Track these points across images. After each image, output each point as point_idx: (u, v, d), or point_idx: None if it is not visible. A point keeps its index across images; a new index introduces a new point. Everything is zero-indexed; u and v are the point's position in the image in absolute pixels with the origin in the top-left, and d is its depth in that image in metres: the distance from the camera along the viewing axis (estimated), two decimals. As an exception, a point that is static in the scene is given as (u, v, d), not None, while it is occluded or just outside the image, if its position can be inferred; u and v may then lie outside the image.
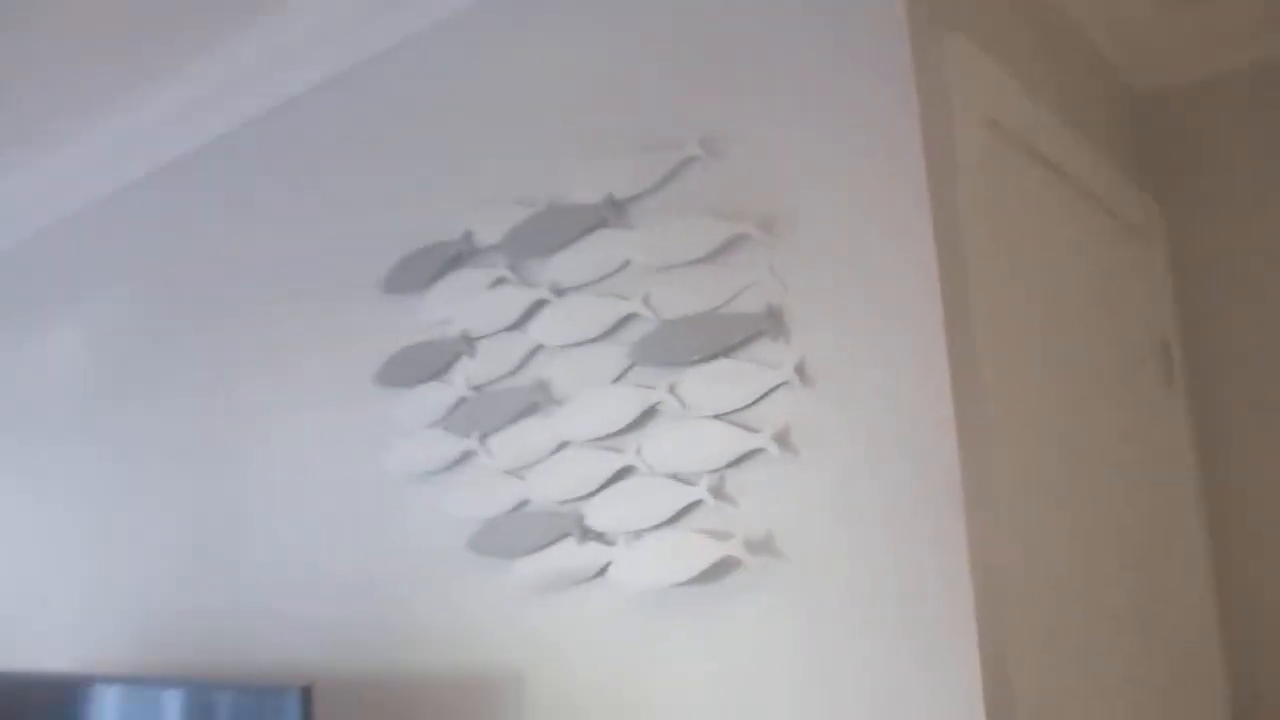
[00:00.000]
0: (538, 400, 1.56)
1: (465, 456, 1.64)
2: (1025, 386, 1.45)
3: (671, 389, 1.43)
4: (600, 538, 1.48)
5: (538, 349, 1.58)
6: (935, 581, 1.21)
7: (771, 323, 1.35)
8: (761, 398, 1.36)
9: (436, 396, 1.68)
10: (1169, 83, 2.11)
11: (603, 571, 1.47)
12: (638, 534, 1.44)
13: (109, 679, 1.66)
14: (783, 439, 1.34)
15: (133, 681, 1.64)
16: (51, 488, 2.42)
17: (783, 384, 1.34)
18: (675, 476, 1.42)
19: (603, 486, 1.48)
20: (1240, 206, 2.00)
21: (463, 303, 1.66)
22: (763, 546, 1.34)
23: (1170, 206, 2.11)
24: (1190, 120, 2.09)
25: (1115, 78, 2.08)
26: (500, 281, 1.63)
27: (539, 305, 1.58)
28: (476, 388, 1.64)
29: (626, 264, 1.50)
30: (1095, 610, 1.54)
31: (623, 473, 1.47)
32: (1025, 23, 1.70)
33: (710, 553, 1.36)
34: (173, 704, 1.57)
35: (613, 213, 1.51)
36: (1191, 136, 2.09)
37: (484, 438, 1.62)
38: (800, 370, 1.33)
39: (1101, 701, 1.49)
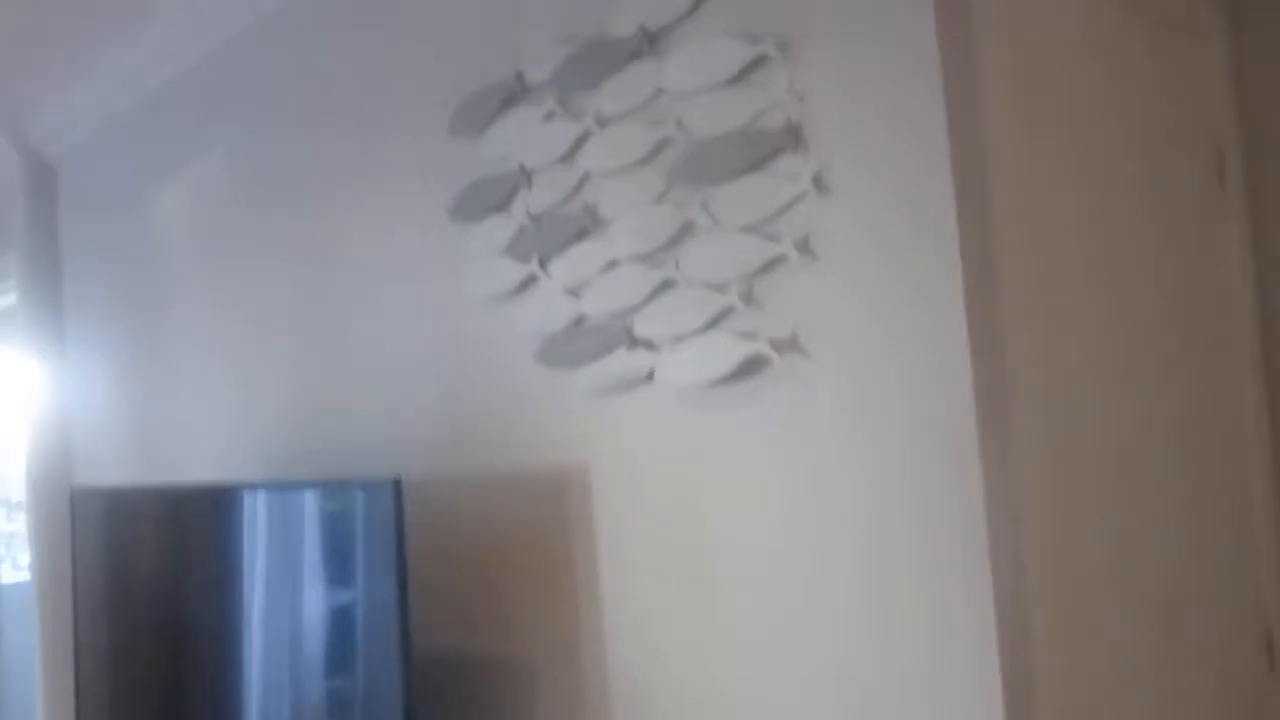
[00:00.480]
0: (588, 224, 1.63)
1: (529, 280, 1.73)
2: (1044, 188, 1.46)
3: (704, 206, 1.48)
4: (647, 345, 1.56)
5: (586, 177, 1.64)
6: (943, 372, 1.27)
7: (790, 138, 1.39)
8: (784, 209, 1.41)
9: (501, 226, 1.77)
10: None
11: (650, 375, 1.56)
12: (678, 339, 1.51)
13: (249, 485, 1.88)
14: (802, 246, 1.39)
15: (264, 486, 1.87)
16: (182, 332, 2.66)
17: (802, 195, 1.39)
18: (709, 286, 1.48)
19: (647, 299, 1.55)
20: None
21: (519, 139, 1.72)
22: (787, 345, 1.41)
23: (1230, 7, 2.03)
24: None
25: None
26: (550, 116, 1.68)
27: (585, 136, 1.63)
28: (535, 217, 1.71)
29: (660, 92, 1.54)
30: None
31: (664, 286, 1.54)
32: None
33: (741, 352, 1.44)
34: (293, 500, 1.79)
35: (646, 43, 1.55)
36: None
37: (544, 262, 1.70)
38: (817, 181, 1.37)
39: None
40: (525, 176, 1.73)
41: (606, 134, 1.61)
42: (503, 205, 1.77)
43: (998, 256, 1.35)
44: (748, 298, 1.45)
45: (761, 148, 1.42)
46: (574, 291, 1.67)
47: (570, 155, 1.66)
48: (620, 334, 1.59)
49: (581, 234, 1.65)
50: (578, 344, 1.65)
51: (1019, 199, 1.40)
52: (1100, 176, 1.58)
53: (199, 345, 2.57)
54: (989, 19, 1.38)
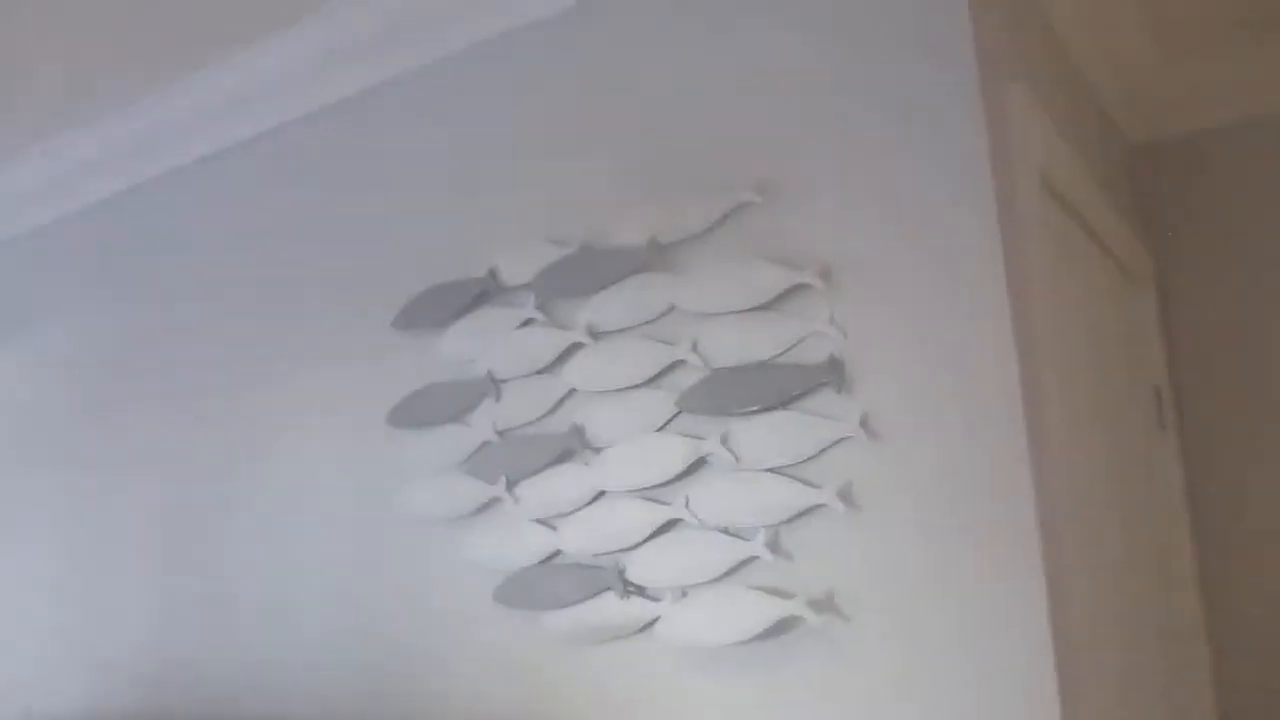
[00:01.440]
0: (573, 446, 1.51)
1: (490, 503, 1.59)
2: (1079, 444, 1.44)
3: (723, 440, 1.39)
4: (643, 592, 1.44)
5: (571, 393, 1.54)
6: (1011, 652, 1.18)
7: (833, 374, 1.33)
8: (822, 451, 1.33)
9: (457, 439, 1.63)
10: (1163, 136, 2.16)
11: (648, 627, 1.43)
12: (685, 590, 1.40)
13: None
14: (846, 495, 1.31)
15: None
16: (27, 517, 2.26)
17: (845, 438, 1.32)
18: (727, 530, 1.38)
19: (647, 539, 1.44)
20: (1229, 258, 2.05)
21: (488, 342, 1.62)
22: (825, 606, 1.31)
23: (1161, 257, 2.16)
24: (1182, 173, 2.13)
25: (1115, 130, 2.11)
26: (529, 322, 1.59)
27: (574, 348, 1.54)
28: (502, 432, 1.60)
29: (671, 309, 1.47)
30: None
31: (668, 525, 1.43)
32: (1055, 73, 1.71)
33: (770, 611, 1.32)
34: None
35: (656, 256, 1.48)
36: (1183, 189, 2.13)
37: (511, 484, 1.57)
38: (865, 424, 1.31)
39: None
40: (493, 385, 1.60)
41: (602, 348, 1.51)
42: (461, 414, 1.64)
43: (1060, 506, 1.27)
44: (775, 547, 1.35)
45: (797, 382, 1.35)
46: (547, 522, 1.54)
47: (554, 366, 1.56)
48: (609, 576, 1.45)
49: (563, 456, 1.53)
50: (551, 583, 1.51)
51: (1066, 453, 1.34)
52: (1082, 414, 1.57)
53: (26, 560, 2.20)
54: (1034, 262, 1.34)
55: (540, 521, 1.54)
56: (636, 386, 1.47)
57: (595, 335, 1.52)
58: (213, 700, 1.84)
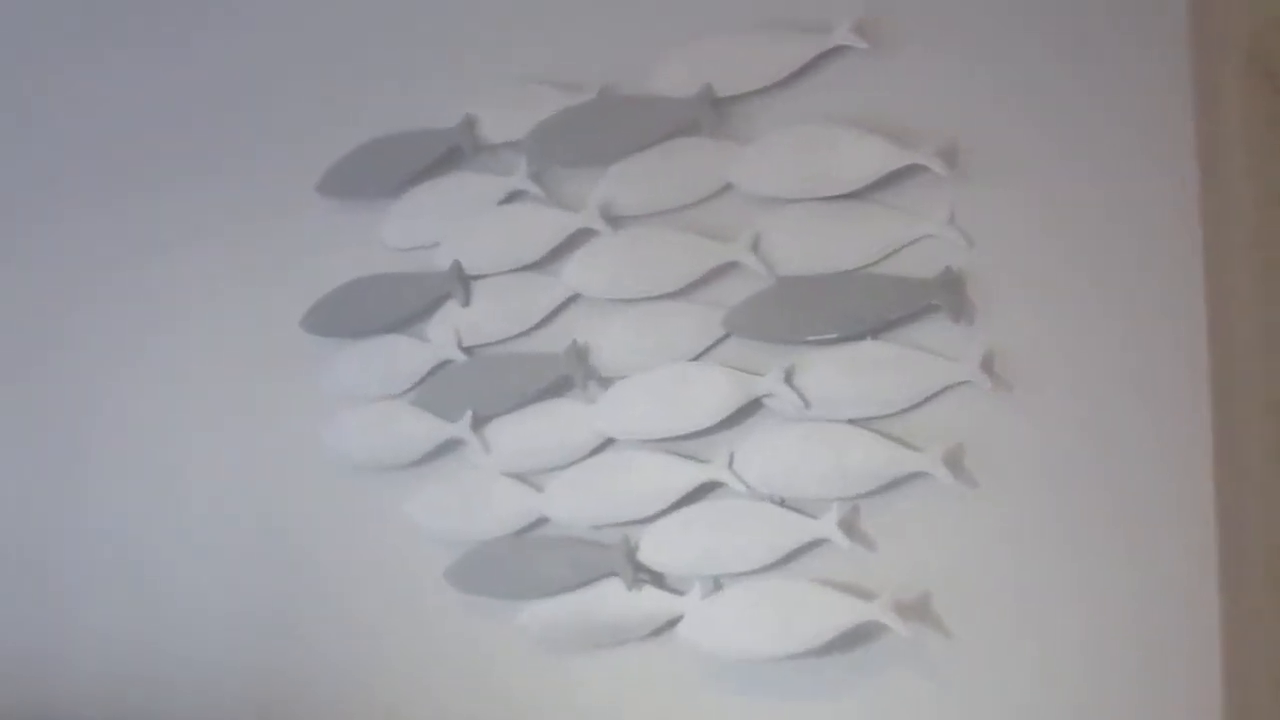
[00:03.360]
0: (570, 375, 1.46)
1: (448, 448, 1.56)
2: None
3: (787, 377, 1.32)
4: (660, 581, 1.41)
5: (573, 300, 1.49)
6: (1172, 682, 1.15)
7: (949, 294, 1.26)
8: (926, 401, 1.27)
9: (404, 355, 1.60)
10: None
11: (665, 629, 1.39)
12: (719, 580, 1.37)
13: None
14: (955, 462, 1.25)
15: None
16: None
17: (960, 384, 1.26)
18: (784, 502, 1.34)
19: (670, 508, 1.39)
20: None
21: (455, 221, 1.57)
22: (918, 612, 1.26)
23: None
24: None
25: None
26: (518, 196, 1.53)
27: (580, 237, 1.47)
28: (470, 349, 1.56)
29: (724, 189, 1.39)
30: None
31: (702, 491, 1.38)
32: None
33: (840, 615, 1.27)
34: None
35: (708, 113, 1.39)
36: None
37: (479, 423, 1.53)
38: (989, 366, 1.24)
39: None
40: (460, 282, 1.55)
41: (621, 239, 1.46)
42: (410, 321, 1.61)
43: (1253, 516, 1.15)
44: (852, 528, 1.30)
45: (896, 302, 1.29)
46: (529, 478, 1.50)
47: (549, 262, 1.50)
48: (613, 557, 1.41)
49: (556, 389, 1.48)
50: (530, 564, 1.49)
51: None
52: None
53: None
54: (1238, 153, 1.21)
55: (518, 477, 1.51)
56: (667, 296, 1.42)
57: (612, 220, 1.46)
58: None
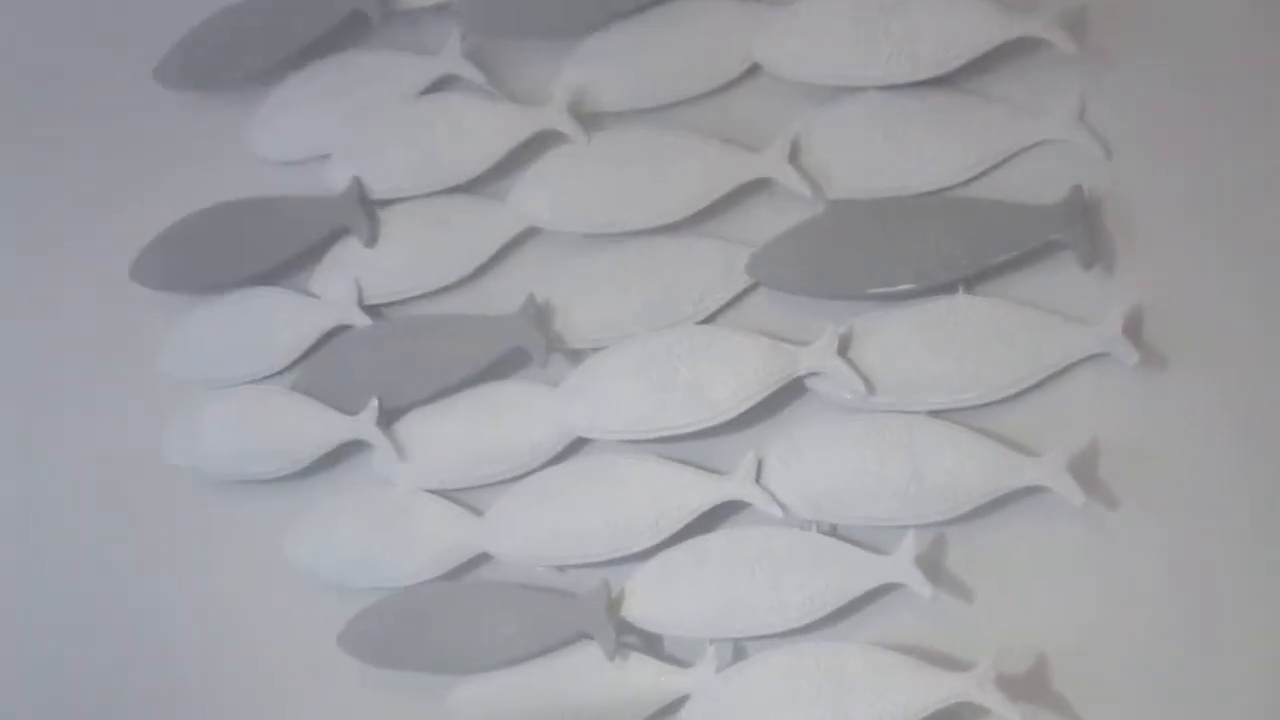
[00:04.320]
0: (525, 345, 1.47)
1: (344, 452, 1.58)
2: None
3: (842, 346, 1.33)
4: (655, 645, 1.42)
5: (529, 236, 1.51)
6: None
7: (1078, 227, 1.26)
8: (1045, 381, 1.29)
9: (281, 318, 1.62)
10: None
11: (664, 717, 1.41)
12: (742, 643, 1.38)
13: None
14: (1086, 471, 1.26)
15: None
16: None
17: (1094, 356, 1.27)
18: (838, 531, 1.35)
19: (670, 540, 1.40)
20: None
21: (356, 122, 1.58)
22: (1029, 689, 1.28)
23: None
24: None
25: None
26: (447, 84, 1.55)
27: (540, 142, 1.49)
28: (377, 308, 1.58)
29: (753, 72, 1.40)
30: None
31: (718, 514, 1.39)
32: None
33: (920, 692, 1.28)
34: None
35: None
36: None
37: (391, 417, 1.55)
38: (1134, 331, 1.25)
39: None
40: (362, 210, 1.56)
41: (600, 148, 1.46)
42: (290, 268, 1.62)
43: None
44: (937, 569, 1.31)
45: (1000, 237, 1.30)
46: (460, 497, 1.51)
47: (495, 181, 1.51)
48: (587, 610, 1.41)
49: (506, 367, 1.50)
50: (466, 621, 1.49)
51: None
52: None
53: None
54: None
55: (447, 495, 1.52)
56: (667, 230, 1.43)
57: (586, 119, 1.47)
58: None
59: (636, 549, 1.40)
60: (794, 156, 1.35)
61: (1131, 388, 1.26)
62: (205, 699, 1.66)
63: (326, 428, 1.56)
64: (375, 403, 1.52)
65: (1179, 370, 1.25)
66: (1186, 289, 1.26)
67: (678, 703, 1.39)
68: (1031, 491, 1.26)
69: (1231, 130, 1.26)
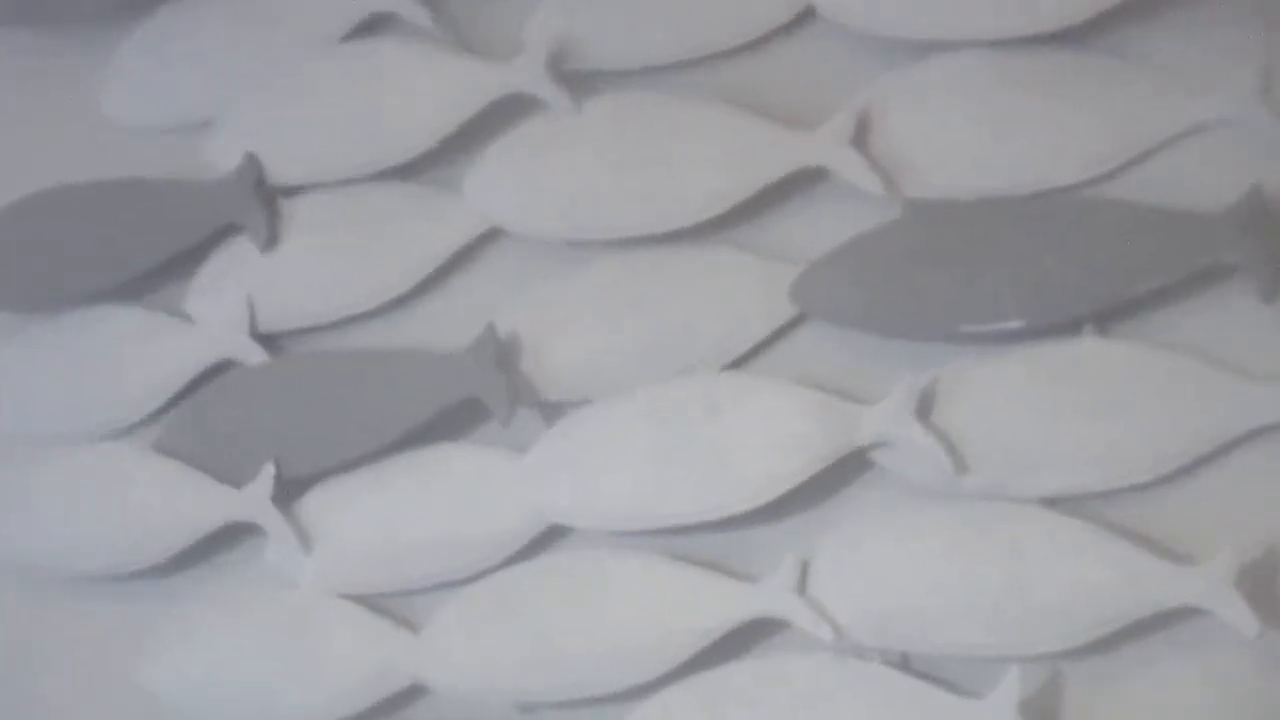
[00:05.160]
0: (482, 394, 1.46)
1: (227, 537, 1.57)
2: None
3: (921, 406, 1.32)
4: None
5: (489, 240, 1.52)
6: None
7: (1256, 243, 1.25)
8: (1206, 460, 1.27)
9: (143, 350, 1.61)
10: None
11: None
12: None
13: None
14: (1260, 585, 1.24)
15: None
16: None
17: (1267, 429, 1.26)
18: (910, 663, 1.35)
19: (678, 671, 1.38)
20: None
21: (250, 78, 1.59)
22: None
23: None
24: None
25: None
26: (379, 26, 1.56)
27: (507, 111, 1.48)
28: (274, 337, 1.58)
29: (805, 17, 1.40)
30: None
31: (746, 636, 1.38)
32: None
33: None
34: None
35: None
36: None
37: (293, 490, 1.55)
38: None
39: None
40: (259, 201, 1.57)
41: (591, 119, 1.47)
42: (154, 280, 1.63)
43: None
44: (1048, 718, 1.31)
45: (1148, 258, 1.29)
46: (387, 606, 1.53)
47: (444, 164, 1.53)
48: None
49: (456, 423, 1.51)
50: None
51: None
52: None
53: None
54: None
55: (367, 600, 1.53)
56: (681, 237, 1.43)
57: (570, 80, 1.47)
58: None
59: (631, 683, 1.39)
60: (860, 138, 1.35)
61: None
62: None
63: (202, 504, 1.55)
64: (271, 470, 1.52)
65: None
66: None
67: None
68: (1184, 615, 1.24)
69: None
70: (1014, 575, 1.27)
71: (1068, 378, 1.29)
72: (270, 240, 1.52)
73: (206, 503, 1.52)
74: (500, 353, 1.42)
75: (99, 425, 1.60)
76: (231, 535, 1.53)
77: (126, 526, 1.57)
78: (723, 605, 1.35)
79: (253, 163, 1.52)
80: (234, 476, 1.51)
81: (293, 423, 1.51)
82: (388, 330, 1.51)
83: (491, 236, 1.46)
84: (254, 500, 1.50)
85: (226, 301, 1.54)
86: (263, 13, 1.58)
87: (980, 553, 1.29)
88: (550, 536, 1.43)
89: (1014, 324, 1.29)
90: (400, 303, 1.51)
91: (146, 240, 1.57)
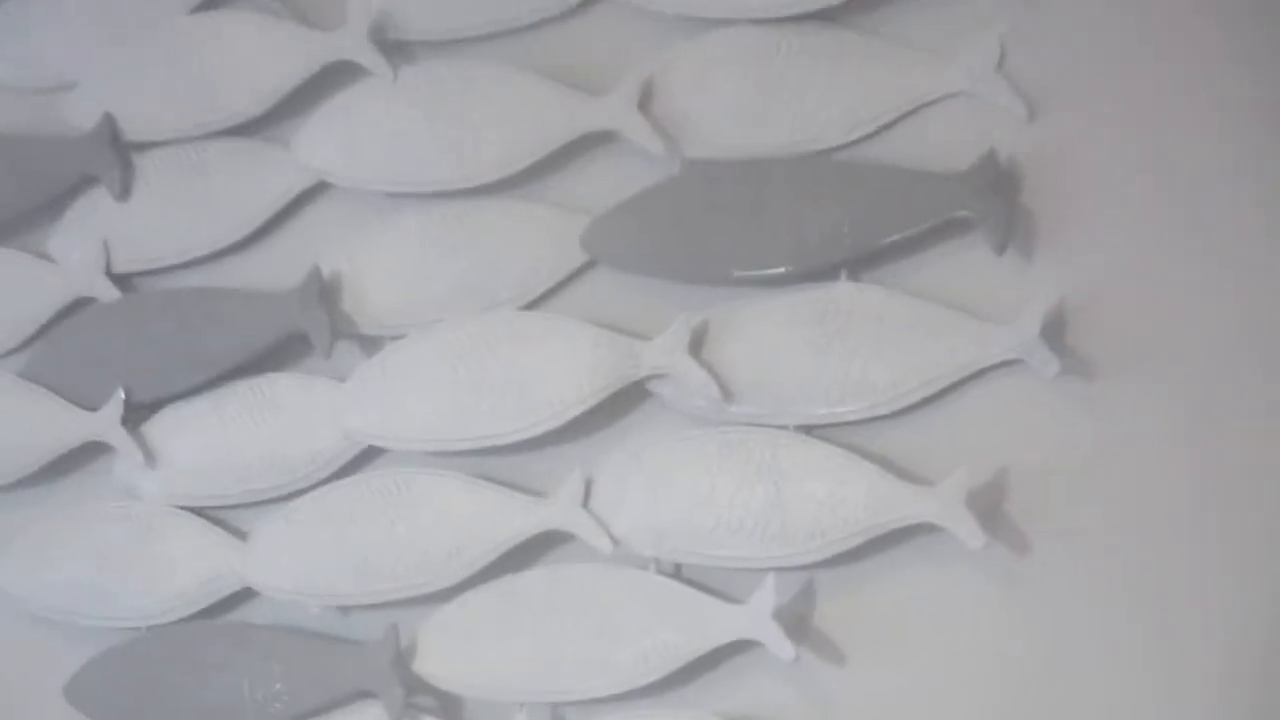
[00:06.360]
0: (306, 327, 1.50)
1: (79, 456, 1.60)
2: None
3: (694, 342, 1.36)
4: (453, 708, 1.48)
5: (316, 192, 1.55)
6: None
7: (990, 201, 1.29)
8: (944, 391, 1.32)
9: (8, 288, 1.66)
10: None
11: None
12: (561, 709, 1.44)
13: None
14: (990, 506, 1.29)
15: None
16: None
17: (1005, 363, 1.30)
18: (681, 572, 1.38)
19: (475, 578, 1.44)
20: None
21: (106, 42, 1.62)
22: None
23: None
24: None
25: None
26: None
27: (332, 76, 1.52)
28: (126, 277, 1.61)
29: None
30: None
31: (536, 547, 1.43)
32: None
33: None
34: None
35: None
36: None
37: (139, 414, 1.58)
38: (1055, 334, 1.28)
39: None
40: (115, 155, 1.59)
41: (409, 84, 1.50)
42: (17, 226, 1.66)
43: None
44: (799, 622, 1.34)
45: (896, 212, 1.34)
46: (221, 517, 1.57)
47: (276, 123, 1.56)
48: (373, 665, 1.45)
49: (282, 355, 1.55)
50: (221, 671, 1.53)
51: None
52: None
53: None
54: None
55: (203, 512, 1.55)
56: (484, 191, 1.48)
57: (390, 48, 1.50)
58: None
59: (434, 588, 1.43)
60: (644, 103, 1.38)
61: (1050, 402, 1.29)
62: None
63: (59, 425, 1.58)
64: (120, 395, 1.55)
65: (1109, 382, 1.28)
66: (1122, 281, 1.29)
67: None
68: (922, 530, 1.29)
69: (1183, 87, 1.28)
70: (773, 495, 1.31)
71: (823, 319, 1.32)
72: (124, 191, 1.54)
73: (63, 424, 1.54)
74: (323, 291, 1.45)
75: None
76: (85, 454, 1.55)
77: (-11, 446, 1.58)
78: (516, 519, 1.39)
79: (109, 121, 1.54)
80: (88, 401, 1.53)
81: (141, 354, 1.53)
82: (227, 271, 1.53)
83: (318, 189, 1.48)
84: (105, 422, 1.51)
85: (85, 245, 1.56)
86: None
87: (744, 475, 1.33)
88: (367, 456, 1.45)
89: (779, 270, 1.34)
90: (238, 247, 1.53)
91: (13, 189, 1.58)
